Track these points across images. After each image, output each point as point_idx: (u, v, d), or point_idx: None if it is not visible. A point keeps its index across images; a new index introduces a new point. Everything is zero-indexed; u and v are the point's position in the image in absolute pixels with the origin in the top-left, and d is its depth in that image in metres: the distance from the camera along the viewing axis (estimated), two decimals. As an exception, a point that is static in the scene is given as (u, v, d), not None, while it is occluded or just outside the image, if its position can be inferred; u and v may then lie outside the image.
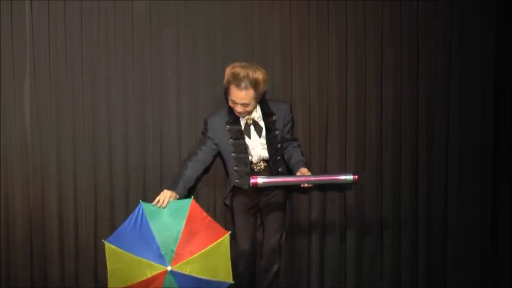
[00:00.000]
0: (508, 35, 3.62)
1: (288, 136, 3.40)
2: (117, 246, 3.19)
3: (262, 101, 3.32)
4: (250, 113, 3.26)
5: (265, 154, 3.31)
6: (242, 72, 3.11)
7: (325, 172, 3.64)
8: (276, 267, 3.35)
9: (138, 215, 3.22)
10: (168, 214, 3.23)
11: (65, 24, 3.58)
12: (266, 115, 3.30)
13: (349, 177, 3.06)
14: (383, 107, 3.66)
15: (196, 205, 3.26)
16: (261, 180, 3.05)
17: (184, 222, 3.20)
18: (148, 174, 3.64)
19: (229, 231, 3.26)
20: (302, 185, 3.19)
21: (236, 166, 3.31)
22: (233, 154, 3.29)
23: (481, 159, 3.67)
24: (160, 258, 3.13)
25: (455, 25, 3.62)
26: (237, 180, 3.34)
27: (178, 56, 3.62)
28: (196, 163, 3.33)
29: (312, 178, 3.15)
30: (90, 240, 3.65)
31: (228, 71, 3.18)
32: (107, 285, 3.60)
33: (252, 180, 3.04)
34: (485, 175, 3.67)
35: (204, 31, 3.61)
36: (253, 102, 3.19)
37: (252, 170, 3.31)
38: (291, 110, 3.43)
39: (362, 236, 3.69)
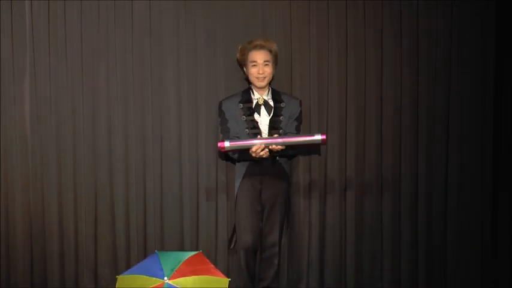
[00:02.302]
0: (508, 35, 3.62)
1: (293, 130, 3.40)
2: (125, 274, 3.33)
3: (274, 90, 3.44)
4: (263, 89, 3.37)
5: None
6: (257, 40, 3.38)
7: (325, 173, 3.65)
8: (276, 260, 3.41)
9: (151, 258, 3.38)
10: (177, 254, 3.39)
11: (65, 24, 3.58)
12: (275, 100, 3.41)
13: (318, 137, 3.09)
14: (383, 107, 3.66)
15: (203, 256, 3.39)
16: (227, 143, 3.11)
17: (189, 255, 3.35)
18: (148, 174, 3.64)
19: (230, 279, 3.31)
20: (271, 147, 3.14)
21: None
22: (246, 130, 3.35)
23: (481, 159, 3.66)
24: (160, 272, 3.21)
25: (455, 25, 3.62)
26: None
27: (178, 56, 3.62)
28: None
29: (280, 139, 3.14)
30: (90, 240, 3.65)
31: (240, 47, 3.42)
32: (106, 285, 3.62)
33: (219, 144, 3.12)
34: (485, 175, 3.67)
35: (204, 31, 3.61)
36: (271, 65, 3.36)
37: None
38: (300, 106, 3.45)
39: (362, 236, 3.69)
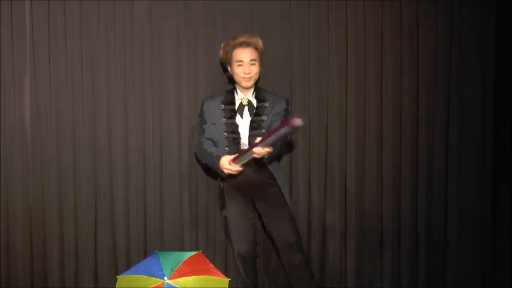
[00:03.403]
0: (508, 35, 3.62)
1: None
2: (125, 274, 3.33)
3: (259, 89, 3.32)
4: (249, 89, 3.25)
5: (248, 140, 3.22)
6: (241, 37, 3.24)
7: (325, 169, 3.65)
8: (298, 258, 3.20)
9: (151, 258, 3.39)
10: (177, 254, 3.38)
11: (65, 24, 3.58)
12: (259, 100, 3.27)
13: (294, 123, 2.87)
14: (383, 107, 3.66)
15: (203, 256, 3.40)
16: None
17: (189, 255, 3.35)
18: (148, 174, 3.64)
19: (230, 279, 3.32)
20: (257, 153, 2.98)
21: (227, 147, 3.22)
22: (225, 133, 3.23)
23: (481, 159, 3.66)
24: (159, 272, 3.22)
25: (455, 25, 3.62)
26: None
27: (178, 56, 3.62)
28: (210, 144, 3.27)
29: (264, 143, 2.95)
30: (90, 240, 3.65)
31: (223, 45, 3.30)
32: (106, 285, 3.62)
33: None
34: (485, 175, 3.66)
35: (204, 31, 3.61)
36: (258, 64, 3.23)
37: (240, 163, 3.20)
38: (287, 104, 3.30)
39: (362, 236, 3.69)
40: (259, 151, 2.97)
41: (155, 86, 3.63)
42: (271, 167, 3.25)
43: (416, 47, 3.63)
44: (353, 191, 3.65)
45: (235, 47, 3.22)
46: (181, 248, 3.63)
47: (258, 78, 3.33)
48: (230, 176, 3.17)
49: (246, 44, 3.21)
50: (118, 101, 3.62)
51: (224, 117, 3.24)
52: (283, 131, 2.89)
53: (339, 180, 3.66)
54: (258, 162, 3.17)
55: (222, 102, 3.27)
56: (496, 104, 3.65)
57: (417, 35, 3.63)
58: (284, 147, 3.33)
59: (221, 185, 3.34)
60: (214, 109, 3.27)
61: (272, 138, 2.93)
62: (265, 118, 3.22)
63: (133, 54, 3.61)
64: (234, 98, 3.28)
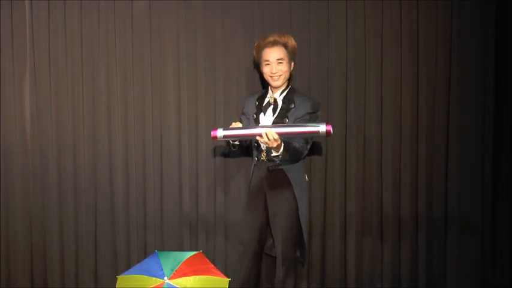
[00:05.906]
0: (508, 35, 3.62)
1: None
2: (125, 274, 3.34)
3: (292, 89, 3.25)
4: (279, 88, 3.20)
5: None
6: (270, 36, 3.20)
7: (325, 169, 3.65)
8: (281, 274, 3.15)
9: (151, 258, 3.40)
10: (177, 254, 3.39)
11: (65, 24, 3.59)
12: (288, 101, 3.20)
13: (322, 128, 2.77)
14: (383, 107, 3.66)
15: (203, 255, 3.41)
16: (220, 132, 2.89)
17: (189, 255, 3.37)
18: (148, 174, 3.65)
19: (230, 279, 3.32)
20: (262, 140, 2.86)
21: (257, 142, 3.12)
22: None
23: (481, 160, 3.66)
24: (160, 272, 3.23)
25: (455, 25, 3.62)
26: (256, 158, 3.25)
27: (178, 56, 3.63)
28: None
29: (278, 129, 2.84)
30: (90, 240, 3.66)
31: (256, 45, 3.26)
32: (106, 285, 3.63)
33: (212, 132, 2.91)
34: (485, 175, 3.66)
35: (204, 31, 3.61)
36: (286, 63, 3.18)
37: (259, 157, 3.21)
38: (312, 108, 3.13)
39: (362, 236, 3.69)
40: (269, 135, 2.84)
41: (155, 86, 3.63)
42: (287, 171, 3.16)
43: (416, 47, 3.63)
44: (353, 192, 3.65)
45: (264, 47, 3.20)
46: (181, 248, 3.64)
47: (290, 78, 3.27)
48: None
49: (274, 43, 3.17)
50: (118, 100, 3.63)
51: (255, 113, 3.24)
52: (311, 130, 2.80)
53: (339, 181, 3.65)
54: (272, 162, 3.14)
55: (257, 99, 3.28)
56: (496, 104, 3.65)
57: (417, 35, 3.63)
58: (300, 150, 3.13)
59: (251, 168, 3.30)
60: (251, 104, 3.28)
61: (290, 130, 2.85)
62: (287, 121, 3.15)
63: (133, 54, 3.61)
64: (266, 95, 3.28)
